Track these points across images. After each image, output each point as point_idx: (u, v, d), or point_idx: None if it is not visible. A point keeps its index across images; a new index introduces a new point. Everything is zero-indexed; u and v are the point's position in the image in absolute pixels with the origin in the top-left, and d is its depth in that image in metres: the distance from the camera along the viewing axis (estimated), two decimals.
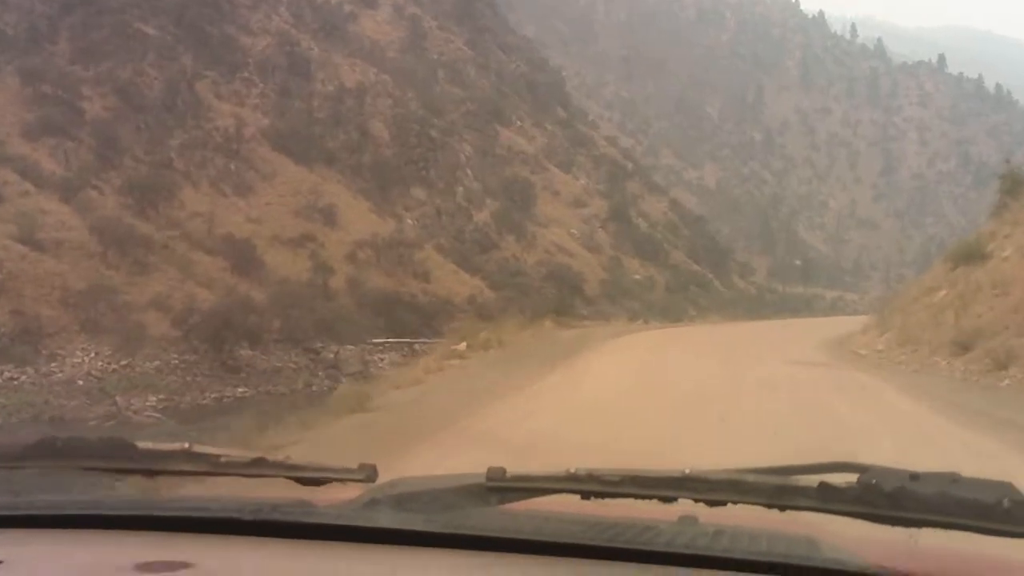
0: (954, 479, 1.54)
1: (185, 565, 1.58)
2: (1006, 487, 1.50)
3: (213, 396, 23.47)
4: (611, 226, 53.49)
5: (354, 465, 1.92)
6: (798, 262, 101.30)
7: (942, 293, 23.74)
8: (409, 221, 42.03)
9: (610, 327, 34.44)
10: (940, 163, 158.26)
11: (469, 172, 49.16)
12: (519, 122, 59.56)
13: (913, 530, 1.57)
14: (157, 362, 25.21)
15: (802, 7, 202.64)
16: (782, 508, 1.65)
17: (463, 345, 20.94)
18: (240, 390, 24.80)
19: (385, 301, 33.43)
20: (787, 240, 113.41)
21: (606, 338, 26.81)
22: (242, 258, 32.30)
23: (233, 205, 36.90)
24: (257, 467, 1.95)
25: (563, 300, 39.18)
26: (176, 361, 25.91)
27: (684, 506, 1.70)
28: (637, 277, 50.33)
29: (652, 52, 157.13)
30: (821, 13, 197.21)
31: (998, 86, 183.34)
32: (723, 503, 1.66)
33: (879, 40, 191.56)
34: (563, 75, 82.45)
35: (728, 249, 77.46)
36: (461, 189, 46.77)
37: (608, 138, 77.05)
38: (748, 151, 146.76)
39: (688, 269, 56.44)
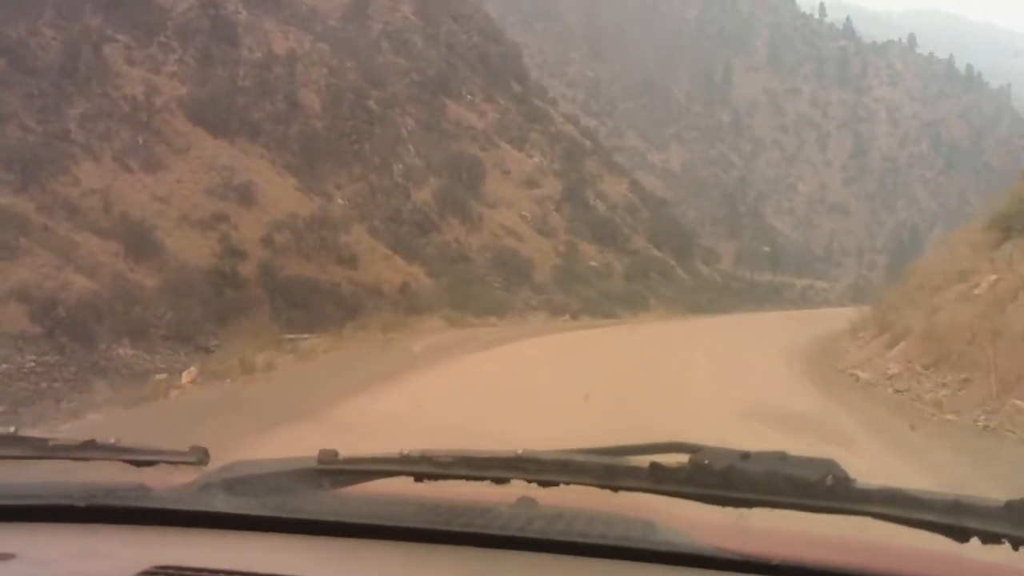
0: (782, 457, 1.64)
1: (8, 556, 1.61)
2: (830, 464, 1.62)
3: (70, 407, 19.80)
4: (566, 208, 50.27)
5: (185, 447, 1.99)
6: (766, 248, 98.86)
7: (989, 280, 16.99)
8: (340, 200, 38.51)
9: (519, 327, 30.89)
10: (911, 145, 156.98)
11: (411, 148, 45.75)
12: (469, 96, 56.23)
13: (743, 509, 1.66)
14: (5, 365, 21.43)
15: None
16: (614, 488, 1.71)
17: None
18: (104, 397, 20.91)
19: (302, 290, 29.81)
20: (755, 225, 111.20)
21: (462, 353, 20.71)
22: (137, 240, 28.46)
23: (138, 182, 33.12)
24: (88, 450, 1.98)
25: (485, 290, 36.28)
26: (33, 363, 22.13)
27: (523, 488, 1.78)
28: (593, 263, 47.17)
29: (618, 30, 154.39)
30: None
31: (968, 67, 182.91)
32: (556, 483, 1.77)
33: (848, 20, 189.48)
34: (522, 49, 78.71)
35: (692, 234, 75.00)
36: (400, 166, 43.32)
37: (567, 115, 73.60)
38: (716, 133, 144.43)
39: (649, 255, 53.28)
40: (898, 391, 15.22)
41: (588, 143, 66.74)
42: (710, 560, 1.65)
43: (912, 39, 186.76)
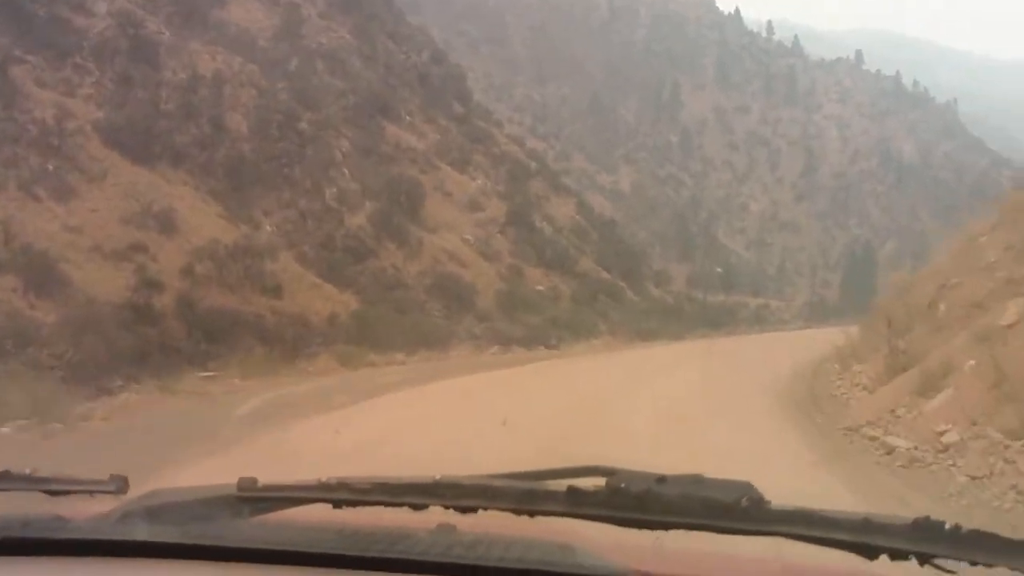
0: (698, 480, 1.71)
1: None
2: (746, 487, 1.68)
3: None
4: (511, 231, 48.41)
5: (104, 476, 2.01)
6: (719, 269, 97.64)
7: None
8: (267, 227, 36.47)
9: (437, 363, 27.34)
10: (862, 161, 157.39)
11: (346, 171, 43.81)
12: (408, 117, 54.40)
13: (660, 532, 1.70)
14: None
15: (717, 4, 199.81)
16: (532, 513, 1.76)
17: None
18: None
19: (222, 323, 27.74)
20: (707, 245, 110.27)
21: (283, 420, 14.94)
22: (40, 274, 26.30)
23: (47, 211, 30.87)
24: (1, 481, 1.98)
25: (424, 318, 34.32)
26: None
27: (443, 514, 1.82)
28: (540, 287, 45.32)
29: (565, 53, 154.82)
30: (737, 10, 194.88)
31: (915, 83, 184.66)
32: (474, 509, 1.82)
33: (796, 38, 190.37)
34: (465, 71, 77.15)
35: (643, 255, 73.61)
36: (334, 190, 41.37)
37: (512, 136, 71.90)
38: (664, 153, 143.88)
39: (598, 277, 51.55)
40: (975, 479, 9.85)
41: (534, 164, 65.05)
42: None
43: (859, 56, 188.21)
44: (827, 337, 29.45)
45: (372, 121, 50.31)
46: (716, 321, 60.36)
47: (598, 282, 50.85)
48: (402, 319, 33.09)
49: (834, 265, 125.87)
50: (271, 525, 1.92)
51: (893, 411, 13.86)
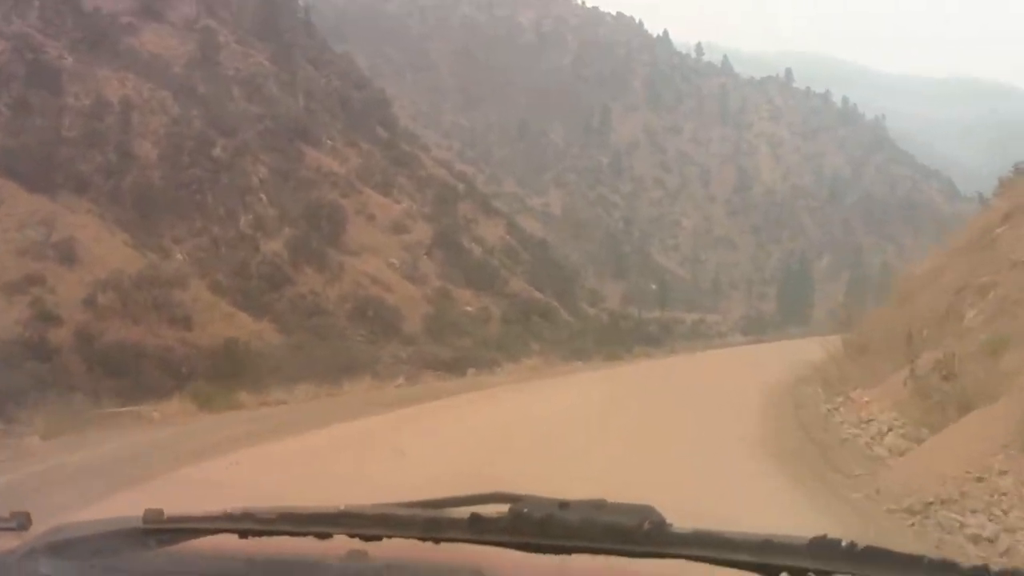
0: (599, 505, 1.72)
1: None
2: (647, 510, 1.71)
3: None
4: (438, 253, 47.02)
5: (6, 513, 1.99)
6: (654, 286, 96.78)
7: None
8: (179, 255, 34.70)
9: (320, 404, 22.02)
10: (794, 177, 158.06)
11: (263, 196, 42.26)
12: (329, 141, 53.02)
13: (564, 556, 1.70)
14: None
15: (646, 28, 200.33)
16: (436, 541, 1.76)
17: None
18: None
19: (125, 356, 25.94)
20: (641, 263, 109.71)
21: None
22: None
23: None
24: None
25: (344, 345, 32.58)
26: None
27: (348, 543, 1.82)
28: (469, 309, 43.89)
29: (492, 78, 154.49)
30: (666, 32, 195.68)
31: (844, 99, 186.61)
32: (379, 538, 1.80)
33: (725, 57, 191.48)
34: (388, 95, 75.77)
35: (575, 275, 72.54)
36: (250, 216, 39.65)
37: (439, 160, 70.53)
38: (595, 174, 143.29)
39: (529, 298, 50.09)
40: None
41: (462, 186, 63.74)
42: None
43: (789, 74, 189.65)
44: (779, 352, 27.58)
45: (291, 146, 48.83)
46: (652, 337, 58.99)
47: (530, 302, 49.40)
48: (323, 345, 31.43)
49: (769, 279, 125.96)
50: (178, 557, 1.87)
51: (980, 478, 8.67)
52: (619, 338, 51.89)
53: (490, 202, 69.51)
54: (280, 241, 39.62)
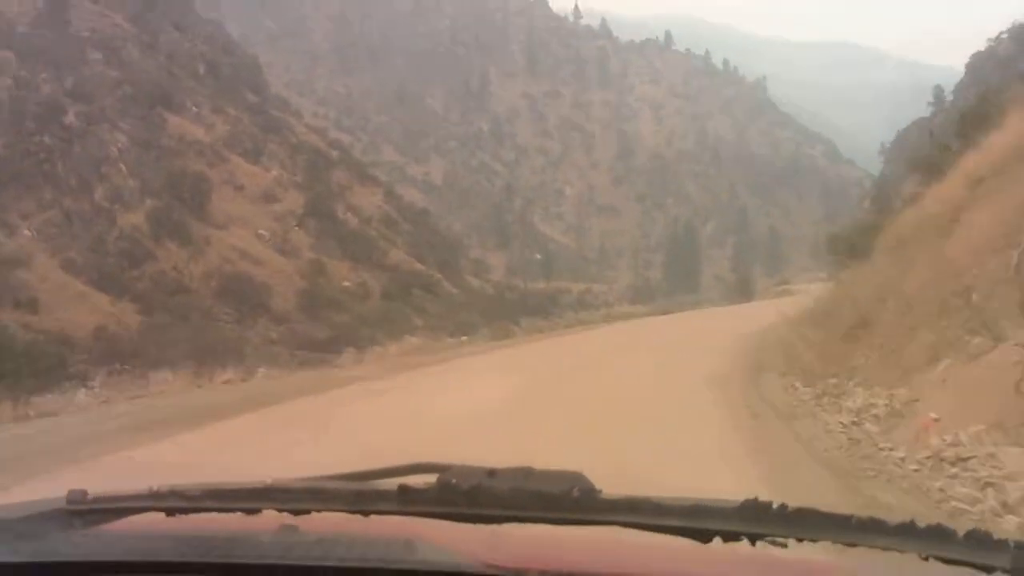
0: (528, 473, 1.73)
1: None
2: (577, 477, 1.70)
3: None
4: (311, 223, 44.82)
5: None
6: (538, 256, 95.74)
7: None
8: (25, 232, 32.06)
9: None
10: (677, 141, 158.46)
11: (122, 167, 39.62)
12: (195, 108, 50.28)
13: (494, 526, 1.71)
14: None
15: None
16: (365, 513, 1.77)
17: None
18: None
19: None
20: (524, 233, 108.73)
21: None
22: None
23: None
24: None
25: (210, 326, 30.31)
26: None
27: (278, 518, 1.80)
28: (346, 284, 41.83)
29: (369, 44, 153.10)
30: None
31: (725, 62, 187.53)
32: (307, 511, 1.80)
33: (603, 20, 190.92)
34: (258, 59, 73.24)
35: (459, 245, 70.83)
36: (107, 187, 37.01)
37: (311, 126, 68.10)
38: (476, 142, 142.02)
39: (410, 270, 48.10)
40: None
41: (336, 153, 61.47)
42: None
43: (669, 36, 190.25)
44: (703, 325, 25.46)
45: (152, 112, 46.03)
46: (539, 309, 57.39)
47: (411, 275, 47.40)
48: (182, 328, 29.21)
49: (655, 246, 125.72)
50: (105, 537, 1.84)
51: None
52: (505, 310, 50.23)
53: (366, 169, 67.46)
54: (140, 214, 37.12)
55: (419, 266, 50.07)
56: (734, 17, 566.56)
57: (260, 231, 42.14)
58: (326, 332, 33.99)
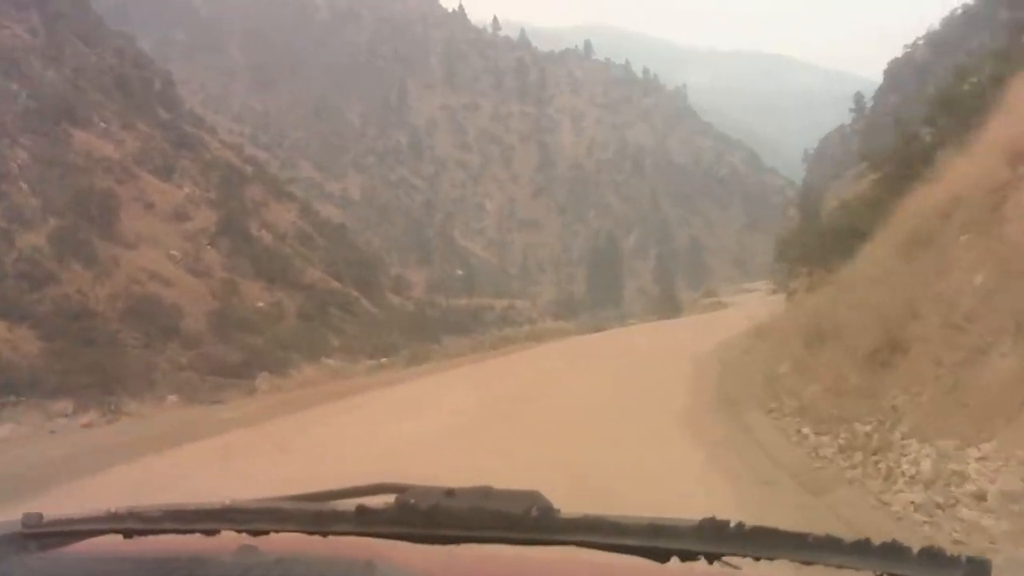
0: (486, 493, 1.73)
1: None
2: (535, 496, 1.72)
3: None
4: (224, 242, 43.61)
5: None
6: (460, 271, 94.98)
7: None
8: None
9: None
10: (598, 152, 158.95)
11: (23, 185, 38.08)
12: (103, 123, 48.84)
13: (452, 546, 1.72)
14: None
15: (441, 2, 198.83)
16: (324, 534, 1.77)
17: None
18: None
19: None
20: (445, 248, 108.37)
21: None
22: None
23: None
24: None
25: (115, 352, 29.02)
26: None
27: (237, 539, 1.80)
28: (260, 304, 40.65)
29: (285, 59, 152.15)
30: (461, 7, 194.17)
31: (645, 70, 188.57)
32: (266, 532, 1.80)
33: (522, 31, 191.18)
34: (169, 73, 71.71)
35: (378, 262, 69.65)
36: (5, 205, 35.68)
37: (226, 142, 66.86)
38: (395, 156, 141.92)
39: (327, 288, 47.06)
40: None
41: (250, 169, 60.17)
42: None
43: (588, 46, 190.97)
44: (630, 346, 24.24)
45: (57, 128, 44.56)
46: (461, 326, 56.68)
47: (328, 293, 46.34)
48: (84, 355, 27.95)
49: (578, 260, 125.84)
50: (62, 560, 1.85)
51: None
52: (427, 328, 49.40)
53: (282, 185, 66.40)
54: (42, 234, 35.67)
55: (336, 284, 49.03)
56: (654, 27, 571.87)
57: (171, 251, 40.87)
58: (239, 355, 32.94)
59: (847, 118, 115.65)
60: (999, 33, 74.22)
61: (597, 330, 57.63)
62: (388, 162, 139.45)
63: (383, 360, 37.57)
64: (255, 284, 42.53)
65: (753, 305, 41.06)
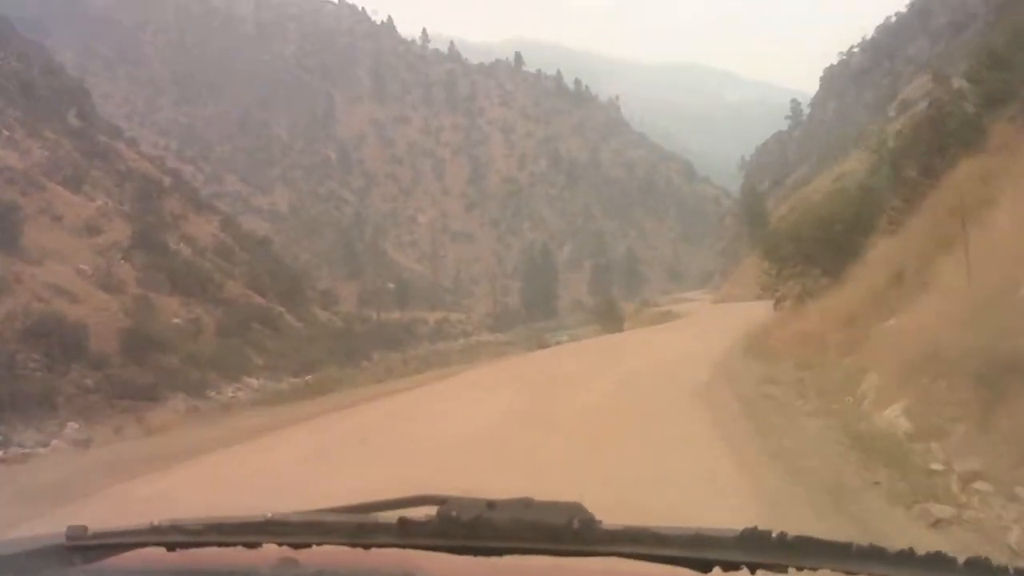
0: (527, 504, 1.69)
1: None
2: (576, 508, 1.68)
3: None
4: (139, 256, 41.31)
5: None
6: (391, 285, 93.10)
7: None
8: None
9: None
10: (530, 164, 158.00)
11: None
12: (5, 131, 46.41)
13: (495, 558, 1.69)
14: None
15: (369, 15, 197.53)
16: (366, 546, 1.75)
17: None
18: None
19: None
20: (376, 262, 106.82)
21: None
22: None
23: None
24: None
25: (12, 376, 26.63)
26: None
27: (279, 552, 1.79)
28: (176, 320, 38.23)
29: (211, 72, 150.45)
30: (390, 18, 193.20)
31: (577, 82, 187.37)
32: (308, 545, 1.79)
33: (452, 43, 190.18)
34: (81, 80, 70.03)
35: (304, 276, 67.27)
36: None
37: (145, 154, 64.44)
38: (324, 170, 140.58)
39: (249, 303, 44.85)
40: None
41: (168, 180, 57.71)
42: None
43: (519, 58, 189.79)
44: (596, 368, 18.93)
45: None
46: (393, 340, 54.78)
47: (251, 308, 44.06)
48: None
49: (512, 272, 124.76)
50: (105, 572, 1.85)
51: None
52: (355, 344, 47.31)
53: (203, 197, 64.03)
54: None
55: (259, 299, 46.76)
56: (587, 42, 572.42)
57: (80, 265, 38.46)
58: (150, 377, 30.59)
59: (780, 128, 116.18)
60: (937, 36, 74.14)
61: (542, 347, 48.78)
62: (316, 176, 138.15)
63: (308, 377, 35.45)
64: (172, 300, 40.19)
65: (705, 315, 38.25)
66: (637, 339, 35.91)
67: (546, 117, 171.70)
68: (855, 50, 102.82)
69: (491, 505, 1.68)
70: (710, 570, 1.61)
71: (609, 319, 60.66)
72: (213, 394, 32.12)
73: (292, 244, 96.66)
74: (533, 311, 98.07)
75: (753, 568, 1.60)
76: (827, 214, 26.23)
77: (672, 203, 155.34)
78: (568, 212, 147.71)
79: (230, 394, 33.39)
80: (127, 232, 43.17)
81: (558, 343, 49.05)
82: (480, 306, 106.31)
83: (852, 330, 16.13)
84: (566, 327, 79.89)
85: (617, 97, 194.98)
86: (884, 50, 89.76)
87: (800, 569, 1.59)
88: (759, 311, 32.24)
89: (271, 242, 68.04)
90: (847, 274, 20.33)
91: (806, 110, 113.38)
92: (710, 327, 24.50)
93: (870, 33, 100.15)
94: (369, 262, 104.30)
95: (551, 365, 28.64)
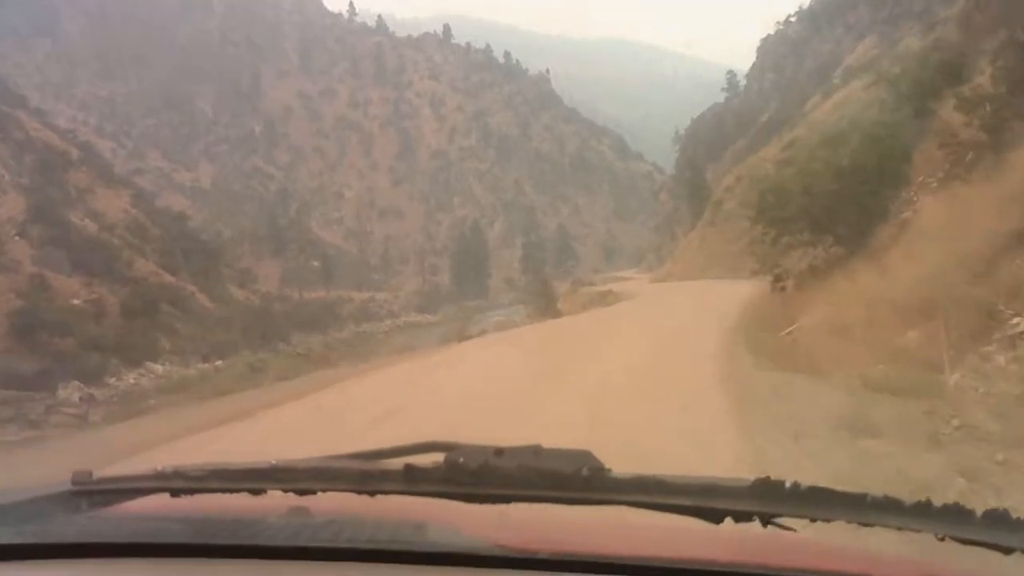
0: (536, 452, 1.69)
1: None
2: (585, 455, 1.67)
3: None
4: (36, 231, 38.44)
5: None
6: (316, 263, 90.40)
7: None
8: None
9: None
10: (460, 139, 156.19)
11: None
12: None
13: (503, 505, 1.68)
14: None
15: None
16: (371, 493, 1.73)
17: None
18: None
19: None
20: (301, 239, 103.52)
21: None
22: None
23: None
24: None
25: None
26: None
27: (283, 498, 1.76)
28: (76, 301, 35.47)
29: (132, 46, 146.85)
30: None
31: (507, 55, 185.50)
32: (312, 492, 1.77)
33: (380, 17, 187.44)
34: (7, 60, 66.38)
35: (221, 253, 64.28)
36: None
37: (49, 124, 61.17)
38: (248, 145, 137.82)
39: (159, 283, 42.21)
40: None
41: (75, 152, 54.66)
42: (476, 558, 1.61)
43: (447, 30, 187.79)
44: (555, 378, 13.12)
45: None
46: (315, 321, 52.14)
47: (160, 288, 41.42)
48: None
49: (441, 249, 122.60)
50: (110, 518, 1.84)
51: None
52: (274, 325, 44.61)
53: (114, 171, 61.01)
54: None
55: (170, 278, 44.09)
56: (517, 17, 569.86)
57: None
58: (38, 364, 27.87)
59: (713, 101, 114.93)
60: (878, 4, 72.44)
61: (483, 332, 38.91)
62: (241, 151, 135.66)
63: (218, 363, 32.94)
64: (72, 279, 37.43)
65: (654, 298, 34.71)
66: (579, 331, 26.84)
67: (475, 90, 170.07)
68: (792, 19, 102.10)
69: (499, 452, 1.67)
70: (721, 520, 1.58)
71: (541, 300, 56.98)
72: (112, 380, 29.65)
73: (214, 220, 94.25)
74: (463, 289, 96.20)
75: (765, 519, 1.57)
76: (848, 164, 19.42)
77: (605, 179, 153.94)
78: (499, 188, 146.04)
79: (131, 381, 31.07)
80: (23, 206, 40.31)
81: (483, 332, 39.50)
82: (409, 285, 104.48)
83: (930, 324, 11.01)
84: (498, 305, 77.54)
85: (547, 71, 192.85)
86: (822, 18, 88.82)
87: (814, 520, 1.57)
88: (722, 291, 29.57)
89: (187, 218, 65.28)
90: (874, 242, 16.67)
91: (742, 82, 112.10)
92: (675, 315, 21.22)
93: (807, 3, 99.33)
94: (293, 239, 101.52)
95: (477, 366, 20.33)
